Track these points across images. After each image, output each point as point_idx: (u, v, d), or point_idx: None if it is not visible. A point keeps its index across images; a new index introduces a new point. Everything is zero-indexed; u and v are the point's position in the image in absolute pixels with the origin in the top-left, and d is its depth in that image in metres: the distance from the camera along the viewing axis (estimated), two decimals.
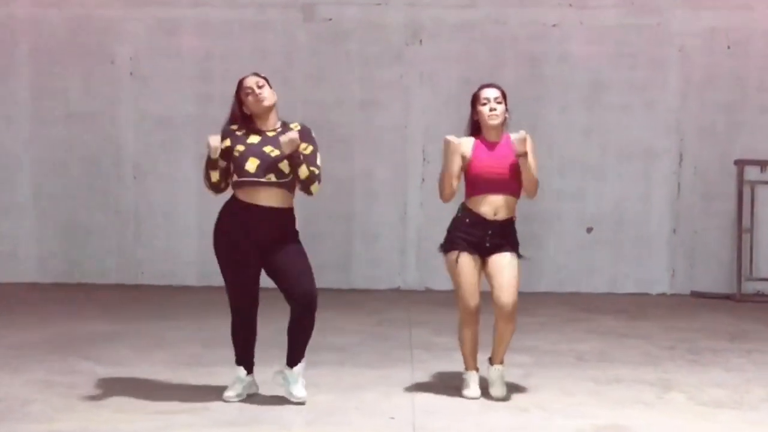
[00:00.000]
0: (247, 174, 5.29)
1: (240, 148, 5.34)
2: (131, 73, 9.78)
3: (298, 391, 5.43)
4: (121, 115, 9.81)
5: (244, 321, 5.51)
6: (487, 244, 5.50)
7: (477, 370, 5.66)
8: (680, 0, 9.65)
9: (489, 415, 5.26)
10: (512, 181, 5.50)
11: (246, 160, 5.30)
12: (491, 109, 5.49)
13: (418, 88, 9.72)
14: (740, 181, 9.66)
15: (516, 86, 9.52)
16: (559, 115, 9.73)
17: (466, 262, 5.48)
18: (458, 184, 5.56)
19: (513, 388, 5.76)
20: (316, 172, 5.42)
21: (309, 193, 5.44)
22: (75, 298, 8.96)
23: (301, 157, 5.32)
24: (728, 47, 9.66)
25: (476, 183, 5.50)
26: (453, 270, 5.53)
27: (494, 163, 5.49)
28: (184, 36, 9.75)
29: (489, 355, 5.67)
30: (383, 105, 9.72)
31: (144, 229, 9.83)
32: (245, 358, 5.57)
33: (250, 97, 5.37)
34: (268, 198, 5.32)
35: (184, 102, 9.74)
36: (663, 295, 9.78)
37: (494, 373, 5.62)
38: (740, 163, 9.67)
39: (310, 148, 5.42)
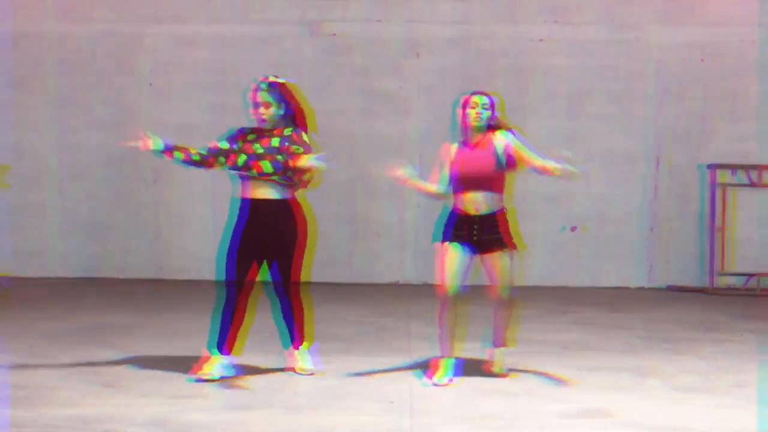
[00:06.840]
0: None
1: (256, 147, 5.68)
2: (150, 84, 9.79)
3: (306, 364, 5.76)
4: (140, 122, 9.80)
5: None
6: (475, 238, 5.51)
7: (453, 357, 5.67)
8: (658, 16, 9.66)
9: (481, 400, 5.25)
10: (489, 179, 5.49)
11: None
12: (477, 113, 5.52)
13: (415, 98, 9.74)
14: (713, 183, 9.67)
15: (505, 96, 9.47)
16: (545, 122, 9.73)
17: (452, 250, 5.50)
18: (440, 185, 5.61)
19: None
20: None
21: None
22: (98, 292, 8.95)
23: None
24: (702, 60, 9.68)
25: (457, 182, 5.51)
26: (438, 258, 5.57)
27: (472, 164, 5.49)
28: (198, 50, 9.76)
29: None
30: (383, 114, 9.73)
31: (162, 228, 9.84)
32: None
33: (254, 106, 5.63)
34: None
35: (198, 111, 9.74)
36: (641, 288, 9.79)
37: (498, 354, 5.84)
38: (713, 167, 9.68)
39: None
